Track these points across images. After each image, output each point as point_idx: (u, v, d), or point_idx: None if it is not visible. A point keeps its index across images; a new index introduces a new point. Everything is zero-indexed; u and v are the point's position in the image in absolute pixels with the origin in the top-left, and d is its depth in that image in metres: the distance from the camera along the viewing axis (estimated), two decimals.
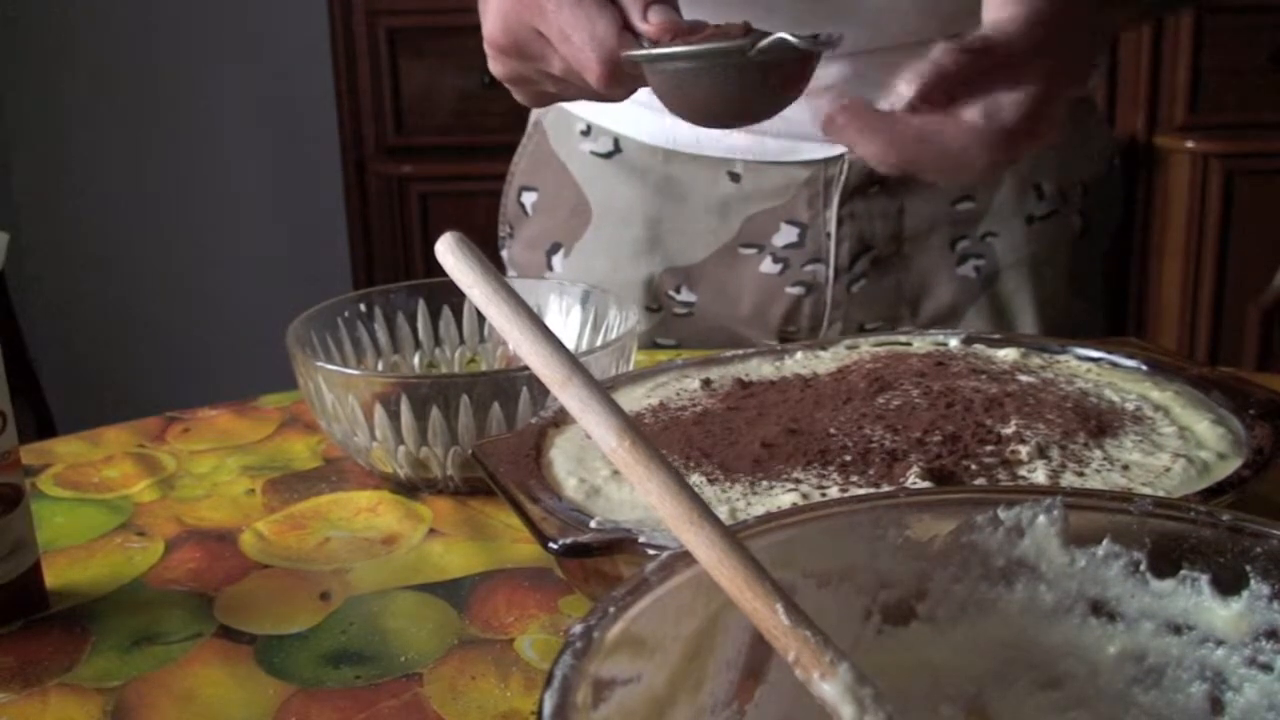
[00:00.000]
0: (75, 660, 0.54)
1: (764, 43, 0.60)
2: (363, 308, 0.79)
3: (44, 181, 2.56)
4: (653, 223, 0.96)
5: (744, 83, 0.62)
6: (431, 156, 2.30)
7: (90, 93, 2.53)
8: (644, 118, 0.94)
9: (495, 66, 0.69)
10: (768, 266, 0.94)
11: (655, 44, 0.62)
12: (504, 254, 1.06)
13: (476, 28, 0.69)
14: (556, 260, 0.99)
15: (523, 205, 1.02)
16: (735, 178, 0.93)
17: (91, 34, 2.50)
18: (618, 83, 0.63)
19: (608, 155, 0.96)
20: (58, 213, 2.57)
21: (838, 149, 0.91)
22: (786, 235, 0.93)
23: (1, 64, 2.49)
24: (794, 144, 0.91)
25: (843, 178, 0.91)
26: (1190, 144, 2.14)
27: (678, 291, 0.96)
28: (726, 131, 0.92)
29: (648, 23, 0.62)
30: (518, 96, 0.72)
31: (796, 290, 0.94)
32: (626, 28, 0.63)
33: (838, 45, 0.62)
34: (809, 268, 0.94)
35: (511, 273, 1.05)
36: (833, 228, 0.92)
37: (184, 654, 0.55)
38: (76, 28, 2.49)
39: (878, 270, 0.94)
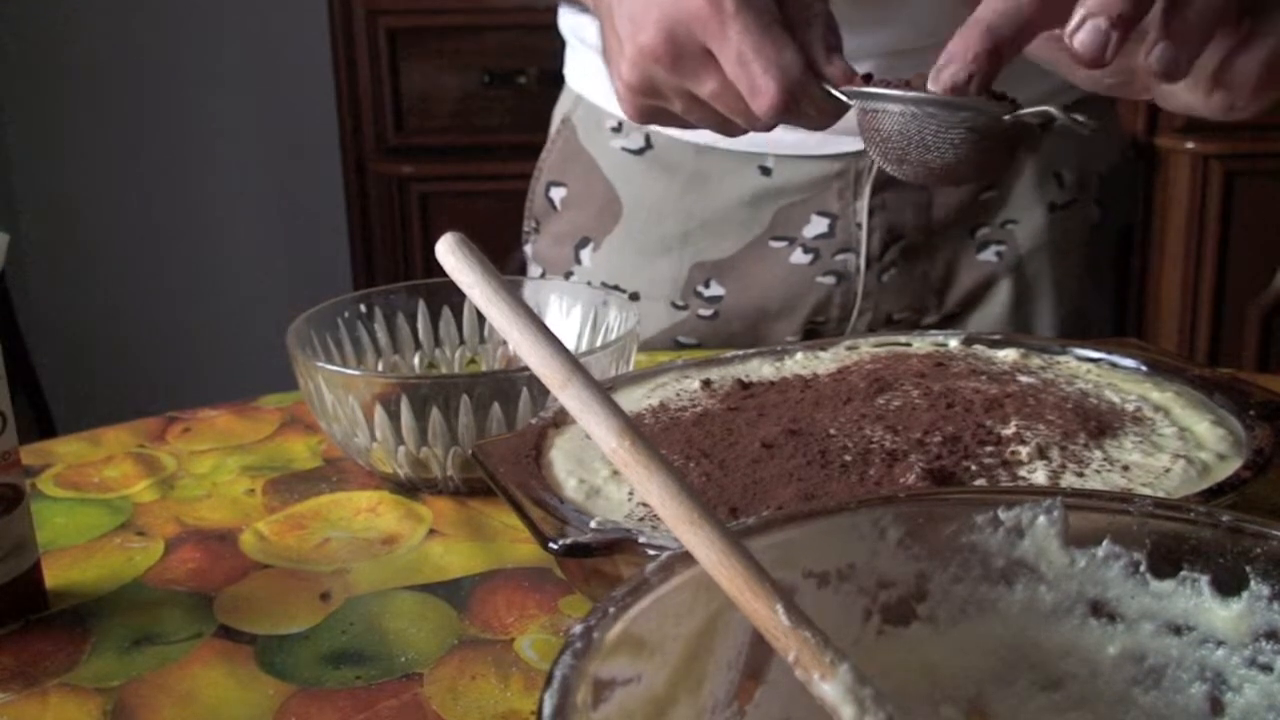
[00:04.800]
0: (75, 660, 0.54)
1: (1026, 112, 0.57)
2: (363, 308, 0.79)
3: (44, 182, 2.56)
4: (683, 218, 0.96)
5: (980, 145, 0.58)
6: (431, 156, 2.30)
7: (90, 93, 2.52)
8: None
9: (632, 73, 0.65)
10: (798, 257, 0.94)
11: (859, 86, 0.60)
12: (527, 249, 1.06)
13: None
14: (585, 255, 1.00)
15: (551, 200, 1.02)
16: (766, 171, 0.93)
17: (91, 34, 2.50)
18: (788, 113, 0.61)
19: (639, 151, 0.97)
20: (58, 213, 2.57)
21: None
22: (817, 226, 0.94)
23: (1, 64, 2.49)
24: (826, 137, 0.91)
25: (873, 169, 0.91)
26: (1190, 144, 2.13)
27: (706, 286, 0.96)
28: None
29: (833, 66, 0.61)
30: (628, 107, 0.68)
31: (828, 280, 0.94)
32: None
33: (1091, 129, 0.58)
34: (840, 257, 0.94)
35: (536, 268, 1.05)
36: (864, 218, 0.93)
37: (184, 654, 0.55)
38: (76, 28, 2.49)
39: (907, 259, 0.94)
